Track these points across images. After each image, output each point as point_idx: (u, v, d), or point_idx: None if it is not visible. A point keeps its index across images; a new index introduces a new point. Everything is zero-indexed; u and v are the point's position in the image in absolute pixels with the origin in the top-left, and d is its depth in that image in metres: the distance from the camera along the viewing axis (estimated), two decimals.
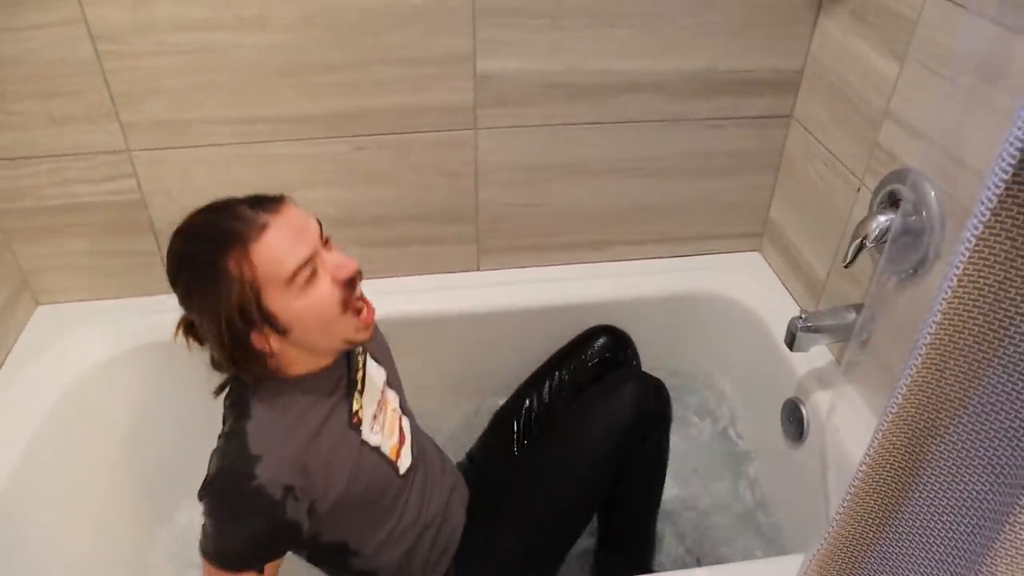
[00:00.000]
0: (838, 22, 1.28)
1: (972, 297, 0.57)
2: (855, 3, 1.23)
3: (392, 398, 1.16)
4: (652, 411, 1.21)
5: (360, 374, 1.10)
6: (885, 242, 1.11)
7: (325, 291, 0.93)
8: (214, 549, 0.93)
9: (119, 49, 1.20)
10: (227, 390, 1.03)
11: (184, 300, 0.94)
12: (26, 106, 1.24)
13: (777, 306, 1.48)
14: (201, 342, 0.98)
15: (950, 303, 0.57)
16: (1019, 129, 0.48)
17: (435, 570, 1.19)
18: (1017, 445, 0.61)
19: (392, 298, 1.40)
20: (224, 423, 1.00)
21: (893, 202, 1.14)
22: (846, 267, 1.14)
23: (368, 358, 1.14)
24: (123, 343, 1.40)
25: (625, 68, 1.34)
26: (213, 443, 0.97)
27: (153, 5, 1.17)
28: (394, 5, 1.23)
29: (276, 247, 0.89)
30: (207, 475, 0.94)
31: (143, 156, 1.32)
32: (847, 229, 1.29)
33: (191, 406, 1.17)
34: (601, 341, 1.43)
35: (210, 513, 0.93)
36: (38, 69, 1.20)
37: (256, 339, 0.92)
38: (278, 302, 0.91)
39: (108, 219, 1.38)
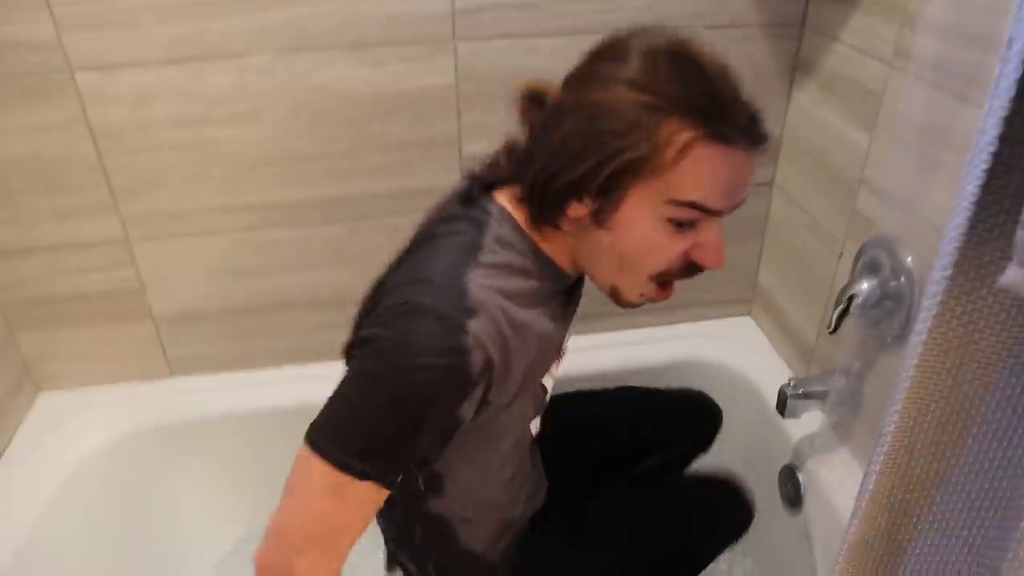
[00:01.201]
0: (810, 95, 1.33)
1: (932, 381, 0.58)
2: (824, 77, 1.28)
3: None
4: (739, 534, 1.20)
5: (572, 310, 0.94)
6: (870, 307, 1.13)
7: (670, 245, 0.75)
8: (335, 431, 0.71)
9: (119, 146, 1.25)
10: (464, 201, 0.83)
11: (583, 87, 0.73)
12: (30, 201, 1.28)
13: (769, 371, 1.49)
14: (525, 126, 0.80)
15: (910, 389, 0.58)
16: (959, 218, 0.50)
17: (495, 551, 1.01)
18: (991, 523, 0.61)
19: None
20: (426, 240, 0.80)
21: (874, 267, 1.16)
22: (831, 333, 1.16)
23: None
24: (125, 428, 1.41)
25: None
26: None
27: (151, 104, 1.23)
28: (380, 96, 1.28)
29: (718, 172, 0.72)
30: (381, 309, 0.72)
31: (142, 246, 1.36)
32: (832, 294, 1.31)
33: (194, 491, 1.18)
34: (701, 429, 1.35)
35: (362, 371, 0.72)
36: (42, 166, 1.25)
37: (575, 204, 0.75)
38: (640, 194, 0.72)
39: (108, 307, 1.41)
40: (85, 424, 1.41)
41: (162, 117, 1.24)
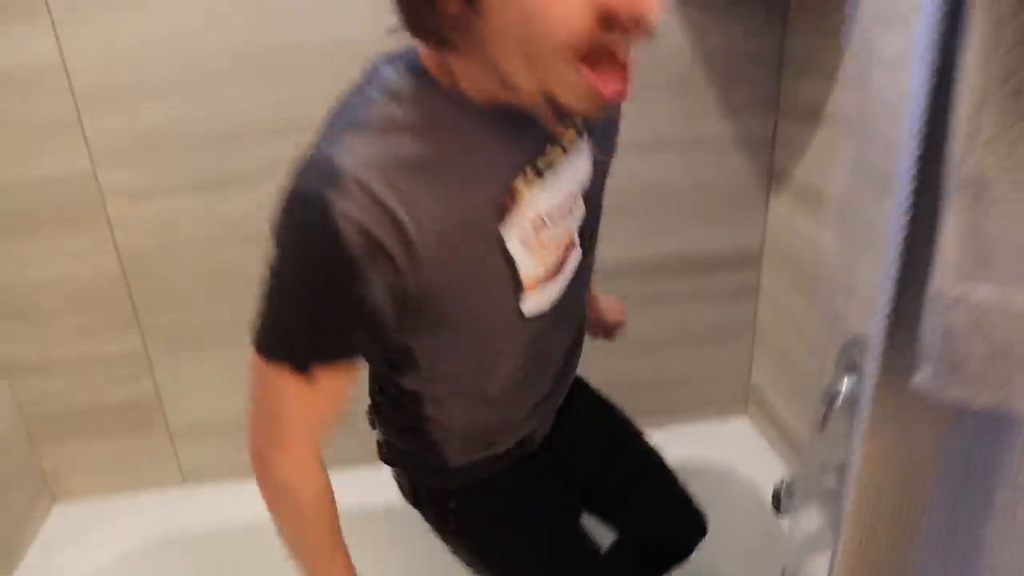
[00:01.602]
0: (785, 204, 1.42)
1: (877, 481, 0.63)
2: (796, 188, 1.37)
3: (574, 217, 0.81)
4: None
5: (548, 159, 0.74)
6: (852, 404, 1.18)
7: (569, 3, 0.56)
8: (263, 330, 0.72)
9: (143, 266, 1.35)
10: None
11: None
12: (58, 319, 1.37)
13: (767, 471, 1.52)
14: None
15: (862, 482, 0.63)
16: (878, 327, 0.56)
17: (480, 460, 0.94)
18: None
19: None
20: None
21: (852, 366, 1.21)
22: (821, 432, 1.19)
23: (577, 147, 0.77)
24: (140, 537, 1.45)
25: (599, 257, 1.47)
26: None
27: (175, 228, 1.33)
28: None
29: None
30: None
31: (160, 359, 1.43)
32: (819, 392, 1.35)
33: None
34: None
35: (267, 270, 0.69)
36: (70, 287, 1.35)
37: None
38: None
39: (126, 418, 1.47)
40: (100, 535, 1.44)
41: (184, 239, 1.34)
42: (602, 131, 0.82)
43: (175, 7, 1.19)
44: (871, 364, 0.58)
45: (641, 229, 1.47)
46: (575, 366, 1.02)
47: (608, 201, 1.33)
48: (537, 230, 0.74)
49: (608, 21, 0.57)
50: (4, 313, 1.36)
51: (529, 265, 0.75)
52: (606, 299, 1.21)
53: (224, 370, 1.46)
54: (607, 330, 1.22)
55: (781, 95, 1.38)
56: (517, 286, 0.76)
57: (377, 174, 0.63)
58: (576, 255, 0.84)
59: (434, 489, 1.00)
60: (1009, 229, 0.42)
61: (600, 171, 0.83)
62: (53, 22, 1.18)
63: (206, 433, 1.50)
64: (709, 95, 1.38)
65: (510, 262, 0.73)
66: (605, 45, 0.58)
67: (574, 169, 0.77)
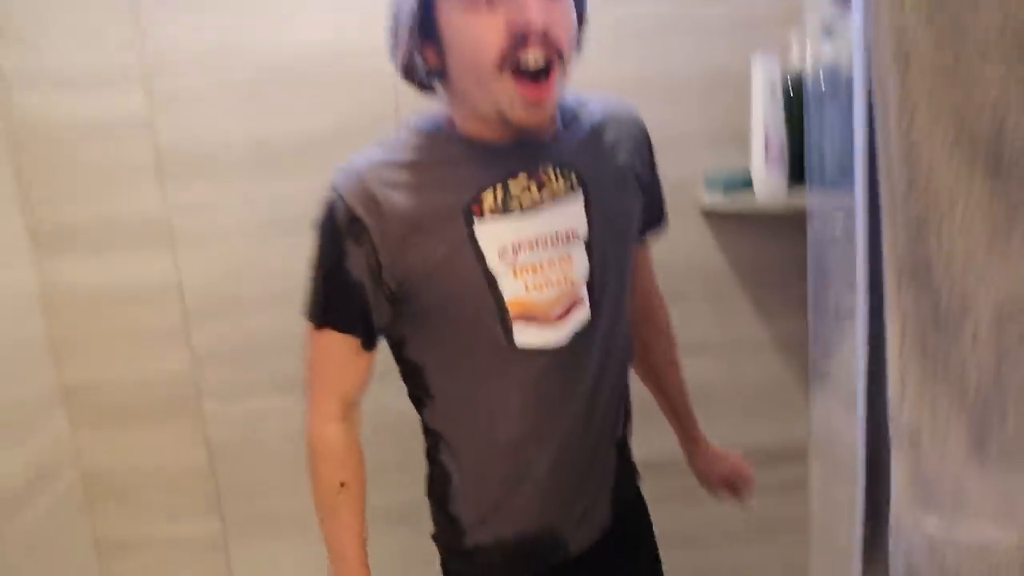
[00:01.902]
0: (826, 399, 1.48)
1: None
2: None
3: (572, 263, 0.88)
4: None
5: (521, 186, 0.86)
6: None
7: (490, 28, 0.77)
8: (305, 295, 0.90)
9: (229, 456, 1.50)
10: None
11: None
12: (145, 501, 1.51)
13: None
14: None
15: None
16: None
17: (495, 543, 0.95)
18: None
19: None
20: None
21: None
22: None
23: (568, 196, 0.88)
24: None
25: (638, 453, 1.54)
26: None
27: (262, 423, 1.48)
28: None
29: None
30: None
31: (237, 544, 1.54)
32: None
33: None
34: None
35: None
36: (160, 474, 1.50)
37: (423, 50, 0.83)
38: (443, 10, 0.79)
39: None
40: None
41: (268, 434, 1.49)
42: (607, 195, 0.91)
43: (274, 243, 1.42)
44: None
45: None
46: (600, 454, 0.98)
47: (652, 401, 1.42)
48: (515, 252, 0.85)
49: (518, 39, 0.76)
50: (101, 494, 1.51)
51: (507, 280, 0.85)
52: (718, 452, 1.22)
53: (298, 557, 1.54)
54: (729, 485, 1.22)
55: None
56: (498, 299, 0.85)
57: (372, 170, 0.84)
58: (583, 311, 0.89)
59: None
60: (940, 473, 0.51)
61: (603, 227, 0.90)
62: (175, 249, 1.42)
63: None
64: (743, 301, 1.50)
65: (488, 274, 0.84)
66: (526, 64, 0.77)
67: (560, 214, 0.87)
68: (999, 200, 0.47)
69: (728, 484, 1.22)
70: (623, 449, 1.03)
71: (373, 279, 0.85)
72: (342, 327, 0.88)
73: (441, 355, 0.91)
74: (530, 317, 0.86)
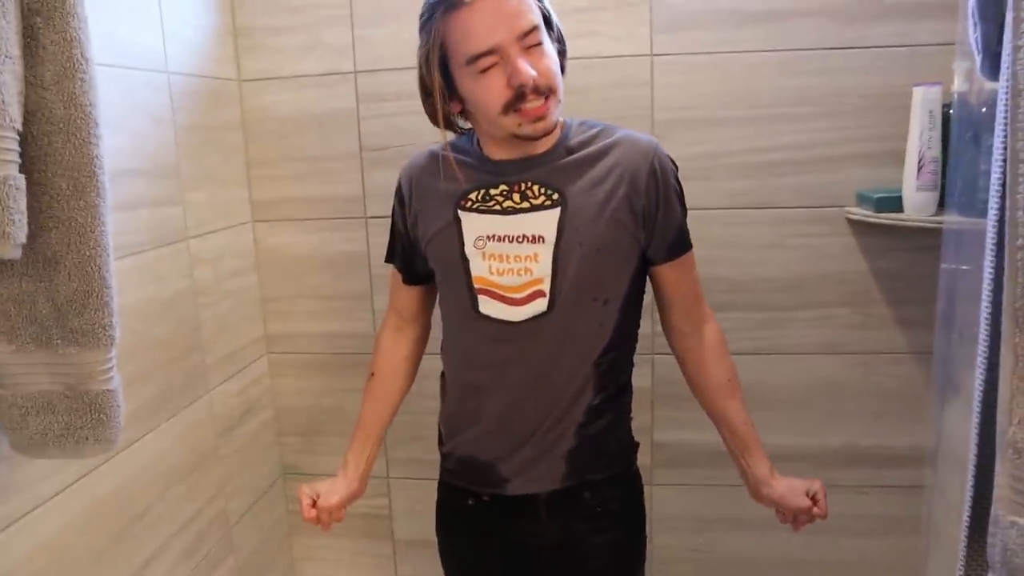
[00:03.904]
0: (955, 411, 1.53)
1: None
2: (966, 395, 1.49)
3: (535, 261, 1.07)
4: None
5: (500, 191, 1.08)
6: None
7: (494, 88, 0.99)
8: None
9: None
10: None
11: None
12: (324, 438, 1.77)
13: None
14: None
15: None
16: None
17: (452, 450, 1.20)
18: None
19: None
20: None
21: None
22: None
23: (544, 207, 1.07)
24: None
25: (775, 443, 1.64)
26: None
27: (425, 376, 1.70)
28: None
29: (467, 27, 0.97)
30: None
31: (395, 484, 1.78)
32: None
33: None
34: None
35: None
36: (339, 418, 1.74)
37: (451, 104, 1.06)
38: (457, 73, 1.02)
39: (362, 527, 1.82)
40: None
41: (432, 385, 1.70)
42: (586, 215, 1.06)
43: None
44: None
45: (820, 422, 1.65)
46: (551, 421, 1.11)
47: (790, 395, 1.52)
48: (484, 241, 1.07)
49: (519, 93, 0.98)
50: (290, 427, 1.79)
51: (476, 261, 1.08)
52: (790, 484, 1.18)
53: None
54: (791, 517, 1.20)
55: None
56: (467, 274, 1.09)
57: (420, 159, 1.17)
58: (543, 302, 1.07)
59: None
60: None
61: (572, 240, 1.05)
62: (367, 225, 1.64)
63: None
64: (884, 308, 1.56)
65: (463, 253, 1.08)
66: (528, 111, 0.99)
67: (534, 220, 1.06)
68: None
69: (791, 518, 1.20)
70: (590, 433, 1.12)
71: (409, 232, 1.17)
72: (394, 262, 1.23)
73: (443, 305, 1.17)
74: (492, 294, 1.08)
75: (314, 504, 1.22)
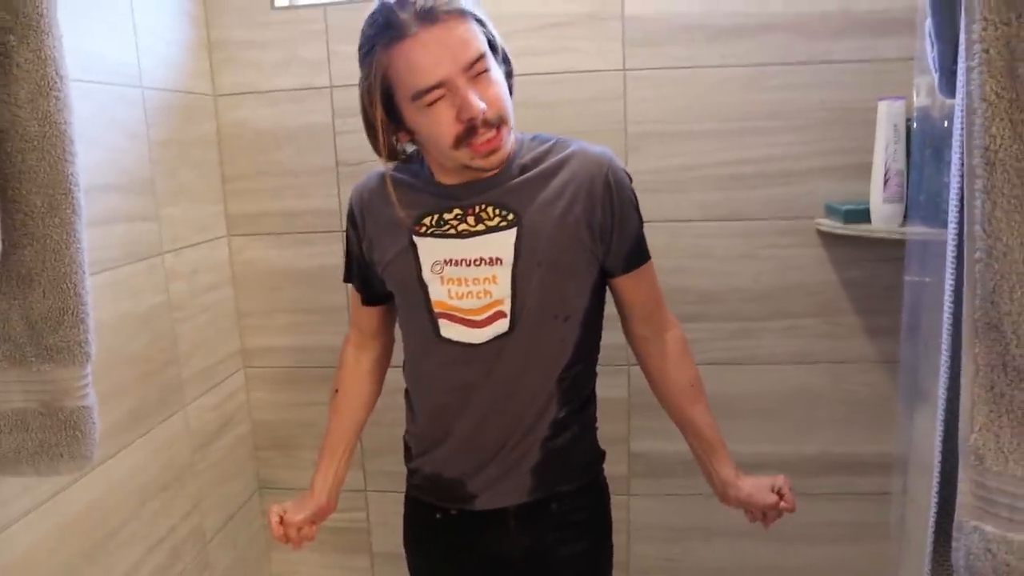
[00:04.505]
0: (923, 417, 1.57)
1: None
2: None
3: (495, 283, 1.06)
4: None
5: (455, 214, 1.07)
6: None
7: (444, 121, 0.97)
8: None
9: (371, 419, 1.72)
10: None
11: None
12: (300, 451, 1.76)
13: None
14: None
15: None
16: None
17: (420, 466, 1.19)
18: None
19: None
20: None
21: None
22: None
23: (500, 229, 1.05)
24: None
25: (750, 452, 1.67)
26: None
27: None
28: None
29: (412, 60, 0.95)
30: None
31: (373, 497, 1.77)
32: None
33: None
34: None
35: None
36: (313, 432, 1.73)
37: (398, 135, 1.05)
38: (404, 107, 1.00)
39: (340, 542, 1.81)
40: None
41: None
42: (542, 233, 1.05)
43: None
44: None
45: (793, 430, 1.67)
46: (517, 437, 1.11)
47: (762, 404, 1.54)
48: (444, 265, 1.06)
49: (468, 127, 0.97)
50: (265, 442, 1.77)
51: (435, 286, 1.07)
52: (756, 482, 1.19)
53: None
54: (760, 514, 1.20)
55: None
56: (427, 299, 1.08)
57: (370, 183, 1.14)
58: (504, 322, 1.06)
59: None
60: (999, 489, 0.64)
61: (531, 259, 1.05)
62: (343, 239, 1.64)
63: None
64: (852, 318, 1.60)
65: (420, 279, 1.07)
66: (479, 144, 0.98)
67: (490, 242, 1.05)
68: None
69: (759, 514, 1.21)
70: (557, 446, 1.13)
71: (364, 255, 1.15)
72: (352, 282, 1.22)
73: (404, 328, 1.17)
74: (453, 317, 1.08)
75: (282, 520, 1.22)
